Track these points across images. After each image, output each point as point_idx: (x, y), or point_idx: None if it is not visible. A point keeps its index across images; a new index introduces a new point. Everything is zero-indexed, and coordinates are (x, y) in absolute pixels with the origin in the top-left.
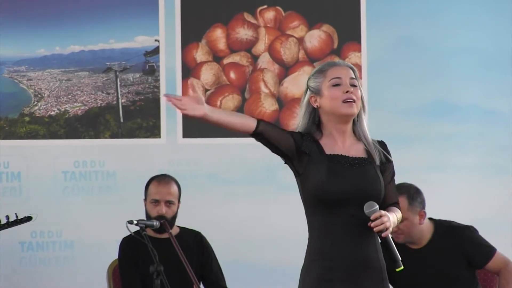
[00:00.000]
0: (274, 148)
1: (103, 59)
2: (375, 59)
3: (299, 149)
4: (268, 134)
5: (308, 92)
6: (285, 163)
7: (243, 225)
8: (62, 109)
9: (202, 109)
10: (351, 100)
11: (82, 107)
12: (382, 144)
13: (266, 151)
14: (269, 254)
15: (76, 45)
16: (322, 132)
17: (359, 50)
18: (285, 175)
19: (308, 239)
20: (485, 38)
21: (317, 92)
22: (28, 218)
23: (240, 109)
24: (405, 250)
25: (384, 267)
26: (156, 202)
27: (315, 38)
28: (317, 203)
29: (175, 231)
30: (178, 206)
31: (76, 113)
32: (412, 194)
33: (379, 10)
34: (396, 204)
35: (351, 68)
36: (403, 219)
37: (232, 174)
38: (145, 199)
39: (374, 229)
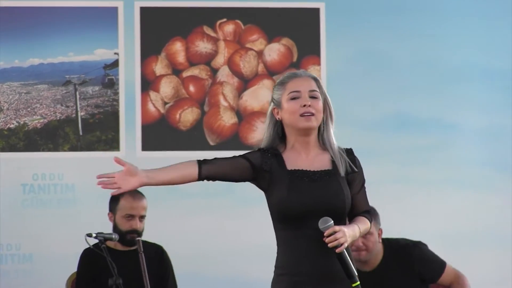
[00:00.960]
0: (230, 180)
1: (62, 72)
2: (334, 72)
3: (258, 169)
4: (215, 175)
5: (272, 103)
6: (251, 182)
7: (203, 238)
8: (21, 122)
9: (137, 180)
10: (308, 114)
11: (41, 120)
12: (349, 153)
13: None
14: (230, 268)
15: (35, 58)
16: (286, 145)
17: (319, 63)
18: (245, 189)
19: (276, 252)
20: (446, 51)
21: (278, 105)
22: None
23: (199, 122)
24: (358, 273)
25: None
26: (131, 217)
27: (274, 51)
28: (281, 218)
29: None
30: None
31: (35, 126)
32: (374, 210)
33: (339, 24)
34: (366, 213)
35: (314, 79)
36: (369, 234)
37: (192, 187)
38: (113, 213)
39: (328, 245)
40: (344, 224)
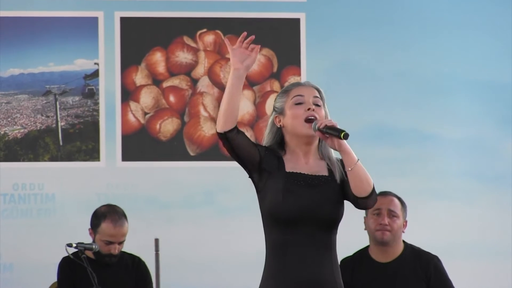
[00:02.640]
0: (236, 157)
1: (43, 82)
2: (314, 82)
3: (261, 165)
4: (237, 142)
5: (273, 113)
6: (249, 177)
7: (181, 248)
8: (2, 132)
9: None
10: (312, 118)
11: (22, 130)
12: (342, 162)
13: (204, 174)
14: (209, 277)
15: (16, 68)
16: (286, 151)
17: (299, 74)
18: (224, 199)
19: (265, 257)
20: (425, 63)
21: (281, 112)
22: None
23: (179, 132)
24: (372, 263)
25: (341, 287)
26: (110, 243)
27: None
28: (272, 222)
29: None
30: None
31: (16, 136)
32: (402, 200)
33: (319, 35)
34: None
35: (317, 89)
36: (395, 216)
37: (171, 198)
38: (94, 232)
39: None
40: (335, 234)
